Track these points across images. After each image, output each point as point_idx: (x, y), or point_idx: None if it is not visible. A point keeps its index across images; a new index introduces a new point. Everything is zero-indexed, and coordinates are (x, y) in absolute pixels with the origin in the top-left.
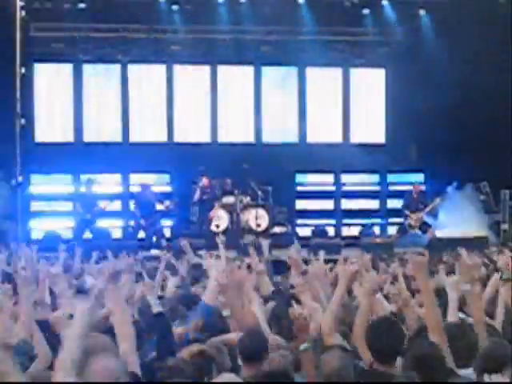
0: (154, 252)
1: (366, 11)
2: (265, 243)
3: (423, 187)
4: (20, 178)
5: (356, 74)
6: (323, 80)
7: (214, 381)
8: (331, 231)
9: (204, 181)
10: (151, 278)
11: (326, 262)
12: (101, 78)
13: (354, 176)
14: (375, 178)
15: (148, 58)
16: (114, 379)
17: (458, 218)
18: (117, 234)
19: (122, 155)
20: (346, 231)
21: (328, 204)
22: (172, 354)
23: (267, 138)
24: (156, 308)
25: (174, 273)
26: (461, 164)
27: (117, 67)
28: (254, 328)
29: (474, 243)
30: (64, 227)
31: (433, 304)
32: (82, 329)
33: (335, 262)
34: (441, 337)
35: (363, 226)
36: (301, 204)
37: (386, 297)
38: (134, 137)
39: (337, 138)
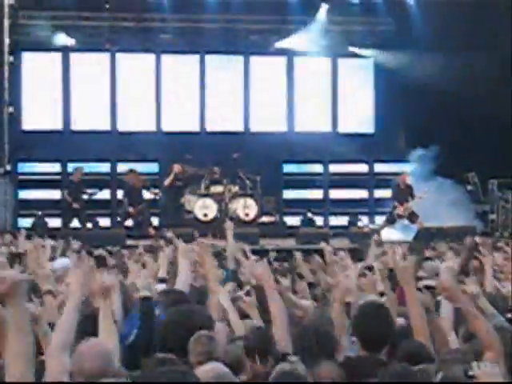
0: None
1: (355, 0)
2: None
3: (411, 177)
4: (8, 166)
5: (344, 63)
6: (312, 69)
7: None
8: (319, 221)
9: (176, 167)
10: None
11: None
12: (89, 66)
13: (342, 166)
14: (363, 167)
15: (136, 46)
16: (102, 360)
17: (444, 208)
18: (104, 222)
19: (111, 144)
20: (333, 221)
21: (316, 193)
22: (150, 341)
23: (255, 127)
24: (143, 292)
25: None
26: (449, 154)
27: (105, 56)
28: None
29: (462, 233)
30: (52, 216)
31: (419, 312)
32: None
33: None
34: (426, 339)
35: (351, 215)
36: (289, 193)
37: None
38: (123, 126)
39: (325, 127)
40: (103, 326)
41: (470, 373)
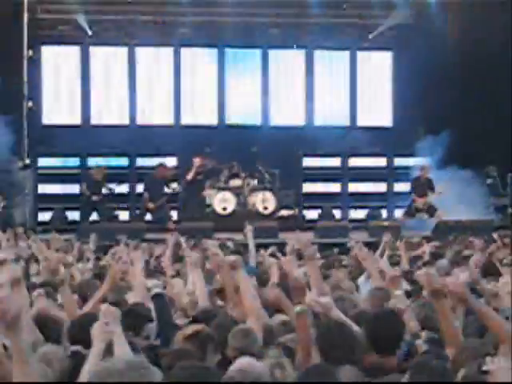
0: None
1: None
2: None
3: (430, 171)
4: (27, 161)
5: (363, 56)
6: (331, 63)
7: (232, 366)
8: (338, 214)
9: (197, 161)
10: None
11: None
12: (108, 60)
13: (361, 159)
14: (382, 161)
15: (155, 40)
16: None
17: (464, 202)
18: (124, 216)
19: (130, 138)
20: (352, 214)
21: (335, 187)
22: (172, 335)
23: (274, 120)
24: (155, 289)
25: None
26: (468, 148)
27: (124, 50)
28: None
29: (480, 227)
30: (71, 209)
31: (451, 324)
32: None
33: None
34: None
35: (370, 208)
36: (308, 187)
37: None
38: (142, 120)
39: (344, 121)
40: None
41: (485, 368)
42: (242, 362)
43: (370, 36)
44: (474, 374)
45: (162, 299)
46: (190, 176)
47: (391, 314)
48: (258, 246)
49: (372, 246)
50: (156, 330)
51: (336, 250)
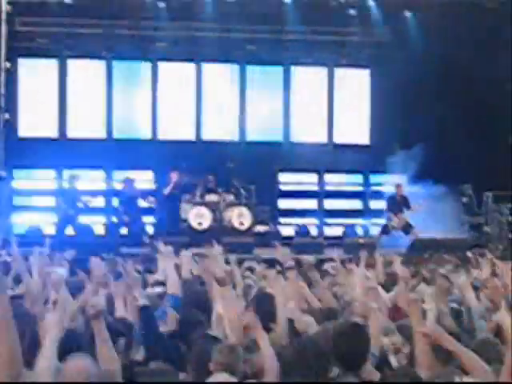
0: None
1: (352, 11)
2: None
3: (406, 188)
4: (3, 173)
5: (341, 73)
6: (308, 79)
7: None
8: (314, 231)
9: (173, 176)
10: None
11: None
12: (85, 73)
13: (337, 176)
14: (359, 178)
15: (133, 54)
16: (85, 379)
17: (439, 220)
18: (99, 230)
19: (106, 151)
20: (328, 231)
21: (311, 203)
22: (158, 349)
23: (251, 136)
24: (142, 301)
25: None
26: (444, 166)
27: (102, 63)
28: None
29: (455, 245)
30: (47, 222)
31: (424, 342)
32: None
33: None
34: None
35: (346, 226)
36: (284, 203)
37: None
38: (118, 133)
39: (321, 137)
40: None
41: None
42: (219, 377)
43: (348, 52)
44: None
45: (149, 311)
46: (167, 191)
47: (355, 328)
48: (239, 262)
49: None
50: (142, 343)
51: None
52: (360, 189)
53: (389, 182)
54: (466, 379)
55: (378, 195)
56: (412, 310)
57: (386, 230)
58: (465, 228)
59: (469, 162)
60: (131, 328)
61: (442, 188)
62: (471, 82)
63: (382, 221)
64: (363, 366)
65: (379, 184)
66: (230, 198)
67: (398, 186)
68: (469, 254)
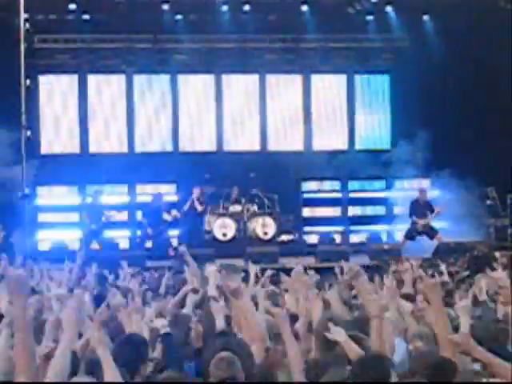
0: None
1: (369, 17)
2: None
3: (429, 193)
4: (26, 190)
5: (361, 80)
6: (328, 87)
7: None
8: (338, 238)
9: (195, 192)
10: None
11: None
12: (106, 88)
13: (360, 182)
14: (381, 184)
15: (152, 67)
16: None
17: (464, 223)
18: (124, 244)
19: (128, 165)
20: (353, 238)
21: (335, 211)
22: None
23: (273, 146)
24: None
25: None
26: (468, 169)
27: (121, 77)
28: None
29: (480, 248)
30: (71, 238)
31: (446, 326)
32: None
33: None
34: (453, 355)
35: (370, 232)
36: (308, 211)
37: None
38: (140, 147)
39: (342, 144)
40: None
41: None
42: None
43: (367, 58)
44: None
45: (171, 338)
46: (185, 207)
47: (376, 358)
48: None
49: (375, 270)
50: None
51: None
52: (383, 194)
53: (412, 187)
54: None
55: (401, 200)
56: (432, 297)
57: (410, 235)
58: (490, 230)
59: (492, 164)
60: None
61: (466, 191)
62: (493, 84)
63: (406, 226)
64: None
65: (402, 189)
66: (254, 208)
67: (422, 190)
68: (497, 254)
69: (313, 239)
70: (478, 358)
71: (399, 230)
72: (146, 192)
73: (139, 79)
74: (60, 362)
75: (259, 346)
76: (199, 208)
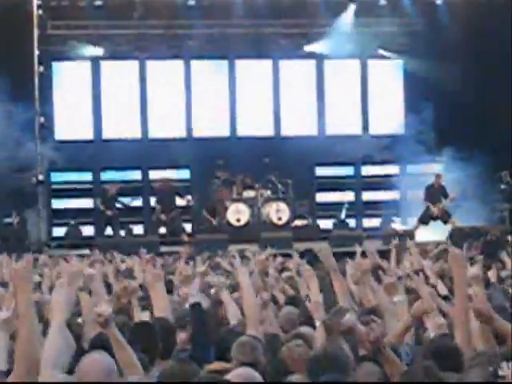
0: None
1: (382, 2)
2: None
3: (443, 177)
4: (41, 176)
5: (374, 64)
6: (341, 72)
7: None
8: (352, 223)
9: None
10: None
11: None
12: (119, 74)
13: (373, 167)
14: (394, 169)
15: (165, 53)
16: (104, 375)
17: (477, 208)
18: (138, 230)
19: (142, 151)
20: (366, 223)
21: (349, 196)
22: (207, 349)
23: (286, 131)
24: (193, 299)
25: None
26: (481, 153)
27: (134, 63)
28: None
29: (494, 232)
30: (85, 224)
31: (465, 300)
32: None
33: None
34: (467, 337)
35: (384, 217)
36: (321, 196)
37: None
38: (154, 133)
39: (356, 129)
40: None
41: (501, 373)
42: (242, 371)
43: (380, 43)
44: (488, 377)
45: (200, 309)
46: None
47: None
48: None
49: (387, 254)
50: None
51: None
52: (396, 179)
53: (425, 172)
54: None
55: (414, 185)
56: (457, 271)
57: (424, 219)
58: (504, 215)
59: (506, 148)
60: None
61: (480, 176)
62: (508, 68)
63: (420, 211)
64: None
65: (416, 174)
66: (268, 193)
67: (438, 175)
68: (510, 238)
69: (327, 224)
70: (496, 326)
71: (413, 215)
72: (159, 177)
73: (152, 65)
74: (56, 339)
75: (253, 328)
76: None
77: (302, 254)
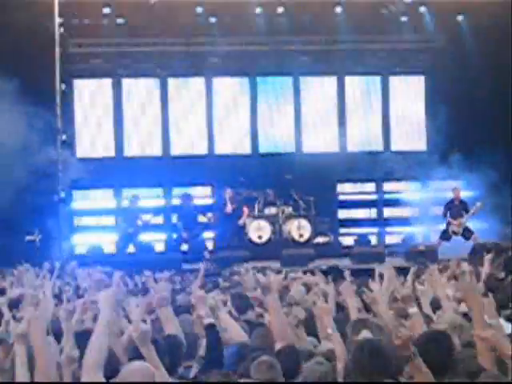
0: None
1: (404, 19)
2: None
3: (464, 193)
4: (62, 194)
5: (395, 81)
6: (362, 88)
7: None
8: (374, 240)
9: (228, 192)
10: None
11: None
12: (140, 92)
13: (395, 184)
14: (416, 185)
15: (187, 71)
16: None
17: (498, 223)
18: (160, 247)
19: (163, 169)
20: (388, 239)
21: (370, 212)
22: (219, 368)
23: (308, 147)
24: (207, 319)
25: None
26: (501, 168)
27: (156, 81)
28: None
29: None
30: (107, 242)
31: (483, 323)
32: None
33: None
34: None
35: (405, 234)
36: (343, 213)
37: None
38: (175, 150)
39: (377, 146)
40: None
41: None
42: None
43: (401, 60)
44: None
45: (215, 330)
46: (229, 209)
47: (441, 335)
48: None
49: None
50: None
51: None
52: (418, 196)
53: (446, 188)
54: None
55: (436, 201)
56: (473, 304)
57: (446, 235)
58: None
59: None
60: (181, 345)
61: (499, 191)
62: None
63: (442, 227)
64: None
65: (437, 190)
66: (289, 210)
67: (455, 189)
68: None
69: (348, 241)
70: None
71: (435, 231)
72: (179, 194)
73: (173, 82)
74: (100, 341)
75: (282, 343)
76: (229, 208)
77: (326, 272)
